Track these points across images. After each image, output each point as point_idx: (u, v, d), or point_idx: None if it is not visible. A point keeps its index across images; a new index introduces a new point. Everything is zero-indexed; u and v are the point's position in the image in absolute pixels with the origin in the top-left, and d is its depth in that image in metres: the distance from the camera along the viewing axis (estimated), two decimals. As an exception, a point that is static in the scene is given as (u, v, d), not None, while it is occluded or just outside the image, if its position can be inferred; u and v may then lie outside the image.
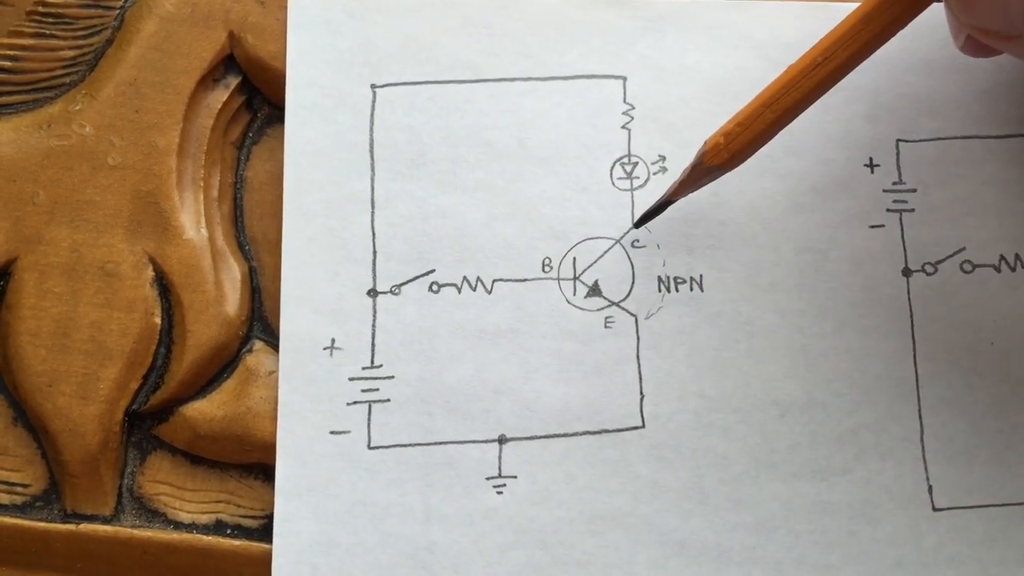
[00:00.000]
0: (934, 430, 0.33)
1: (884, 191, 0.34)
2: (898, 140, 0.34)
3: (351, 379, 0.33)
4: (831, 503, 0.33)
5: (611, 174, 0.34)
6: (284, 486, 0.32)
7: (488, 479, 0.32)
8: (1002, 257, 0.34)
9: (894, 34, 0.29)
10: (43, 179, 0.34)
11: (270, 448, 0.32)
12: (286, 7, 0.34)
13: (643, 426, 0.33)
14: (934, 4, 0.29)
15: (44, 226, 0.33)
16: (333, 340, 0.33)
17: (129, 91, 0.34)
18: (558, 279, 0.34)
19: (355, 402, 0.33)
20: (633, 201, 0.34)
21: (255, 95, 0.35)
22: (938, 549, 0.32)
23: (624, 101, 0.34)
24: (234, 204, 0.35)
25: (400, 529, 0.32)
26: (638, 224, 0.33)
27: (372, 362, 0.33)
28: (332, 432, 0.32)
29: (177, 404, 0.33)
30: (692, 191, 0.32)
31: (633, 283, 0.34)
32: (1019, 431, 0.33)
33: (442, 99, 0.34)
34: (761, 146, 0.30)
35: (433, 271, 0.33)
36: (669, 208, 0.33)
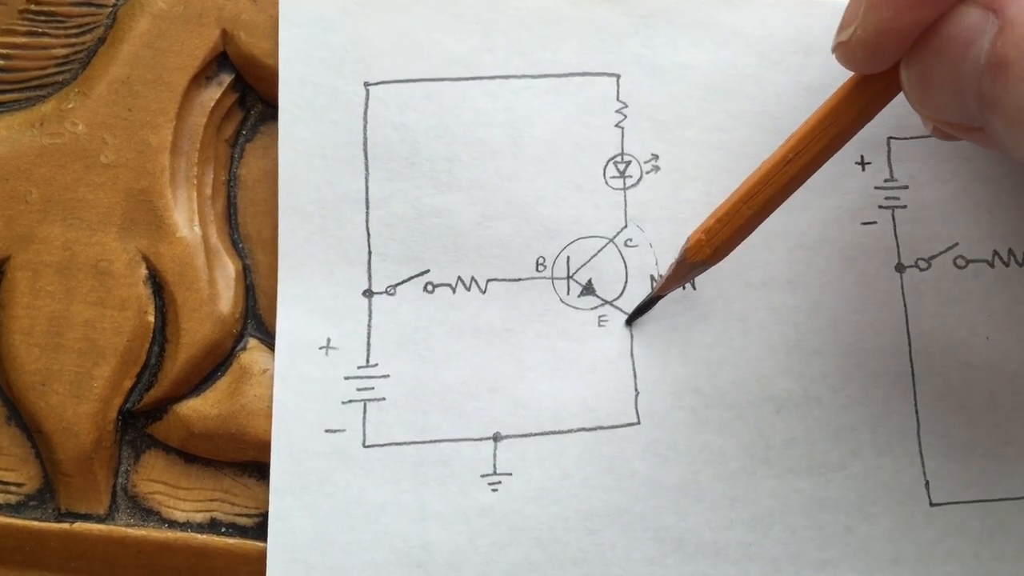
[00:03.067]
0: (930, 425, 0.33)
1: (876, 188, 0.34)
2: (889, 137, 0.35)
3: (346, 378, 0.33)
4: (828, 499, 0.33)
5: (604, 173, 0.34)
6: (279, 484, 0.32)
7: (483, 477, 0.32)
8: (995, 252, 0.34)
9: (863, 125, 0.29)
10: (36, 177, 0.34)
11: (264, 446, 0.32)
12: (278, 4, 0.34)
13: (638, 423, 0.33)
14: None
15: (37, 224, 0.33)
16: (328, 339, 0.33)
17: (122, 89, 0.34)
18: (552, 278, 0.34)
19: (350, 401, 0.33)
20: (626, 199, 0.34)
21: (248, 93, 0.35)
22: (935, 544, 0.32)
23: (617, 99, 0.35)
24: (228, 202, 0.35)
25: (395, 527, 0.32)
26: (629, 321, 0.33)
27: (367, 361, 0.33)
28: (327, 430, 0.32)
29: (171, 402, 0.33)
30: (679, 286, 0.33)
31: (626, 282, 0.34)
32: (1015, 425, 0.33)
33: (436, 97, 0.34)
34: (742, 239, 0.30)
35: (428, 271, 0.33)
36: (660, 208, 0.33)
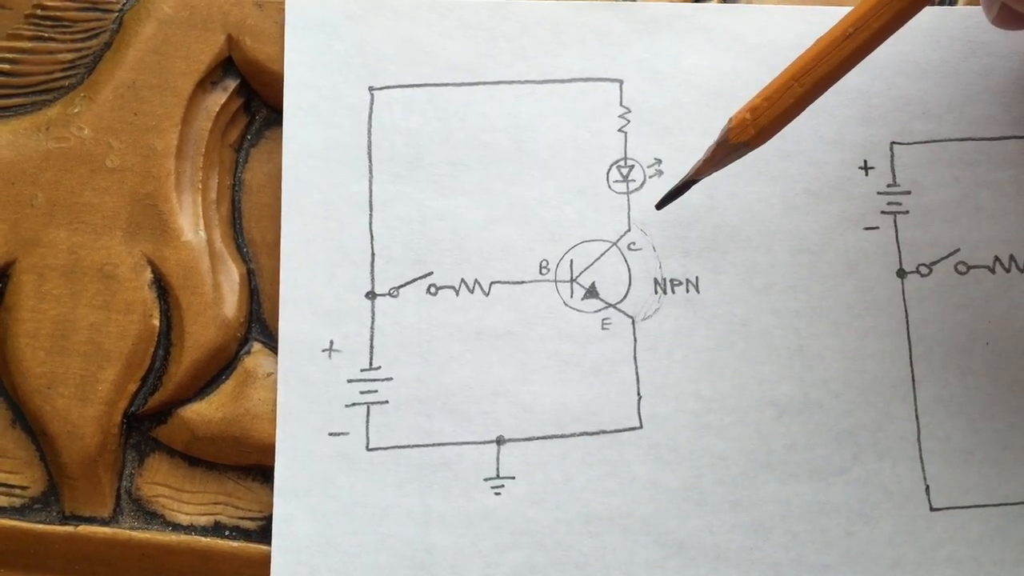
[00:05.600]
0: (931, 430, 0.33)
1: (878, 193, 0.34)
2: (892, 143, 0.35)
3: (349, 381, 0.33)
4: (829, 503, 0.33)
5: (607, 177, 0.34)
6: (283, 487, 0.32)
7: (486, 480, 0.33)
8: (996, 258, 0.34)
9: (924, 4, 0.28)
10: (42, 181, 0.34)
11: (268, 450, 0.32)
12: (284, 10, 0.35)
13: (641, 427, 0.33)
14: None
15: (43, 228, 0.33)
16: (332, 342, 0.33)
17: (128, 94, 0.34)
18: (555, 281, 0.34)
19: (354, 404, 0.33)
20: (629, 204, 0.34)
21: (253, 98, 0.35)
22: (935, 549, 0.33)
23: (620, 104, 0.35)
24: (232, 206, 0.35)
25: (398, 530, 0.32)
26: (660, 205, 0.33)
27: (371, 364, 0.33)
28: (331, 434, 0.32)
29: (175, 406, 0.33)
30: (716, 170, 0.31)
31: (630, 285, 0.34)
32: (1015, 431, 0.33)
33: (440, 101, 0.34)
34: (788, 122, 0.29)
35: (431, 273, 0.34)
36: (664, 211, 0.33)
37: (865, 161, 0.35)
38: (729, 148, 0.30)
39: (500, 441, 0.33)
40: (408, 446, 0.33)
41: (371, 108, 0.34)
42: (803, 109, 0.29)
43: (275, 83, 0.34)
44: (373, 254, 0.34)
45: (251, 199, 0.35)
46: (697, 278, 0.34)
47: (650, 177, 0.34)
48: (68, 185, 0.34)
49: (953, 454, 0.33)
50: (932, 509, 0.33)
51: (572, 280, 0.34)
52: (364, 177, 0.34)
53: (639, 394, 0.33)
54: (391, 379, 0.33)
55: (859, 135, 0.35)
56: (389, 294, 0.33)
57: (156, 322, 0.33)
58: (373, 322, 0.33)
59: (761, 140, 0.29)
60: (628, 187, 0.34)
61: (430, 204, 0.34)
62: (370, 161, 0.34)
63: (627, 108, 0.35)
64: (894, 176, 0.34)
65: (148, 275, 0.33)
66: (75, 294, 0.33)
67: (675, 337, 0.33)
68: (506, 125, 0.34)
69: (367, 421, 0.33)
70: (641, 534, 0.32)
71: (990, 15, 0.30)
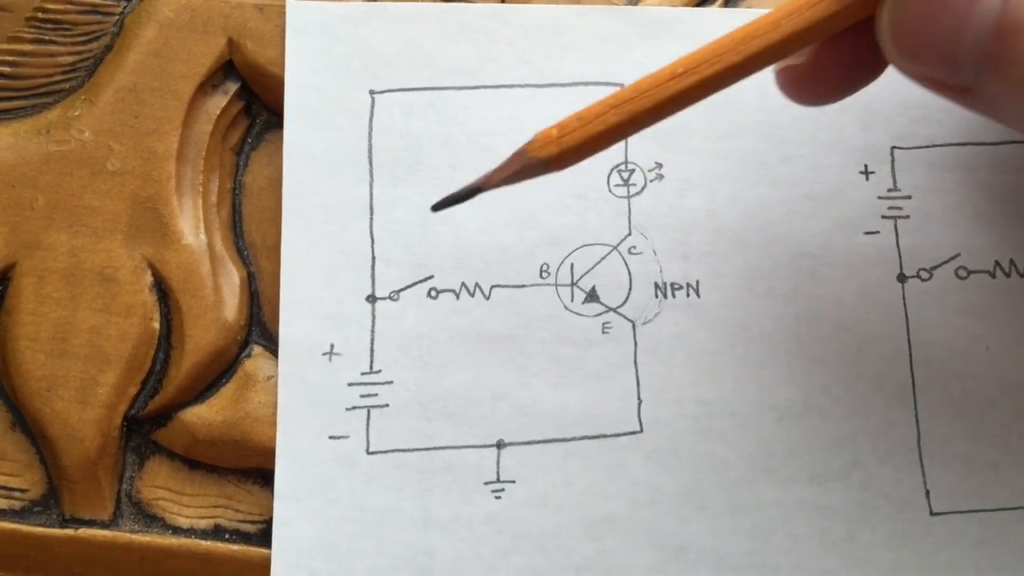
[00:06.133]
0: (931, 435, 0.33)
1: (879, 198, 0.34)
2: (893, 147, 0.35)
3: (350, 384, 0.33)
4: (829, 507, 0.33)
5: (608, 181, 0.34)
6: (283, 491, 0.32)
7: (486, 484, 0.32)
8: (997, 263, 0.34)
9: (770, 62, 0.26)
10: (42, 184, 0.34)
11: (268, 453, 0.32)
12: (285, 13, 0.35)
13: (641, 431, 0.33)
14: None
15: (43, 231, 0.33)
16: (332, 345, 0.33)
17: (128, 97, 0.34)
18: (556, 285, 0.34)
19: (354, 407, 0.33)
20: (630, 208, 0.34)
21: (254, 101, 0.36)
22: (935, 553, 0.33)
23: (621, 108, 0.35)
24: (233, 209, 0.35)
25: (399, 534, 0.32)
26: (436, 208, 0.29)
27: (371, 367, 0.33)
28: (331, 437, 0.32)
29: (176, 409, 0.33)
30: (508, 183, 0.27)
31: (630, 289, 0.34)
32: (1015, 436, 0.33)
33: (440, 105, 0.34)
34: (597, 150, 0.26)
35: (432, 277, 0.34)
36: (664, 216, 0.33)
37: (866, 166, 0.35)
38: (525, 161, 0.26)
39: (500, 445, 0.33)
40: (408, 450, 0.33)
41: (372, 111, 0.34)
42: (618, 139, 0.26)
43: (276, 86, 0.34)
44: (373, 257, 0.34)
45: (252, 202, 0.35)
46: (698, 282, 0.34)
47: (651, 181, 0.34)
48: (68, 188, 0.34)
49: (953, 459, 0.33)
50: (932, 513, 0.33)
51: (572, 284, 0.34)
52: (365, 180, 0.34)
53: (639, 398, 0.33)
54: (391, 383, 0.33)
55: (859, 139, 0.35)
56: (390, 297, 0.33)
57: (156, 325, 0.33)
58: (373, 326, 0.33)
59: (562, 162, 0.26)
60: (629, 191, 0.34)
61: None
62: (371, 164, 0.34)
63: (628, 112, 0.35)
64: (895, 181, 0.34)
65: (148, 278, 0.33)
66: (75, 297, 0.33)
67: (675, 341, 0.34)
68: (507, 129, 0.34)
69: (367, 424, 0.33)
70: (641, 538, 0.32)
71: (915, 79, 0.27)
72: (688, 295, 0.34)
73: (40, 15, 0.35)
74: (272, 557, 0.32)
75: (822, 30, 0.25)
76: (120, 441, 0.33)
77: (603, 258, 0.34)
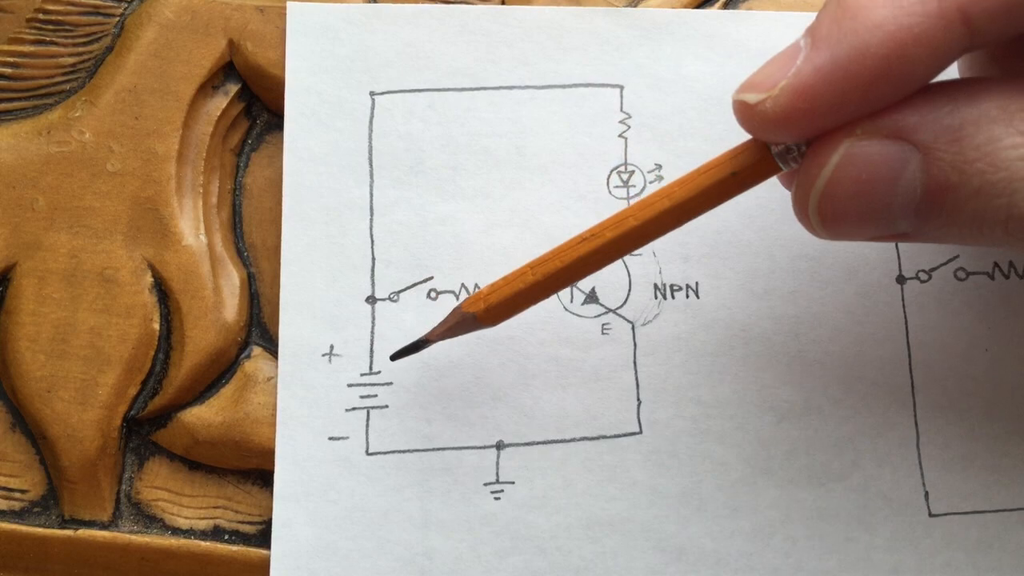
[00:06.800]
0: (930, 436, 0.33)
1: (879, 199, 0.34)
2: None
3: (349, 385, 0.33)
4: (828, 509, 0.33)
5: (608, 182, 0.34)
6: (282, 492, 0.32)
7: (486, 485, 0.33)
8: (995, 265, 0.34)
9: (672, 226, 0.28)
10: (42, 185, 0.34)
11: (268, 454, 0.32)
12: (285, 15, 0.35)
13: (640, 432, 0.33)
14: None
15: (43, 232, 0.33)
16: (332, 346, 0.33)
17: (129, 98, 0.34)
18: (555, 286, 0.34)
19: (353, 408, 0.33)
20: (630, 209, 0.34)
21: (254, 102, 0.36)
22: (934, 555, 0.33)
23: (621, 110, 0.35)
24: (233, 211, 0.35)
25: (398, 535, 0.32)
26: (394, 357, 0.32)
27: (371, 368, 0.33)
28: (330, 438, 0.32)
29: (175, 410, 0.33)
30: (451, 336, 0.31)
31: (630, 290, 0.34)
32: (1014, 437, 0.33)
33: (440, 107, 0.34)
34: (523, 306, 0.30)
35: (432, 278, 0.34)
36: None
37: (865, 167, 0.35)
38: (460, 316, 0.30)
39: (500, 446, 0.33)
40: (408, 451, 0.33)
41: (372, 113, 0.34)
42: (541, 297, 0.29)
43: (276, 88, 0.35)
44: (373, 259, 0.34)
45: (252, 203, 0.35)
46: (697, 283, 0.34)
47: (650, 183, 0.34)
48: (69, 189, 0.34)
49: (952, 460, 0.33)
50: (931, 515, 0.33)
51: (572, 285, 0.34)
52: (365, 182, 0.34)
53: (639, 399, 0.33)
54: (391, 384, 0.33)
55: (859, 141, 0.35)
56: (389, 299, 0.33)
57: (156, 326, 0.33)
58: (373, 326, 0.33)
59: (491, 318, 0.30)
60: (628, 193, 0.34)
61: (431, 209, 0.34)
62: (371, 166, 0.34)
63: (628, 114, 0.35)
64: (894, 182, 0.34)
65: (148, 279, 0.33)
66: (75, 298, 0.33)
67: (675, 342, 0.34)
68: (507, 130, 0.34)
69: (367, 425, 0.33)
70: (641, 539, 0.32)
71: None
72: (687, 296, 0.34)
73: (41, 16, 0.35)
74: (271, 558, 0.32)
75: (716, 197, 0.28)
76: (120, 442, 0.33)
77: (603, 259, 0.34)
